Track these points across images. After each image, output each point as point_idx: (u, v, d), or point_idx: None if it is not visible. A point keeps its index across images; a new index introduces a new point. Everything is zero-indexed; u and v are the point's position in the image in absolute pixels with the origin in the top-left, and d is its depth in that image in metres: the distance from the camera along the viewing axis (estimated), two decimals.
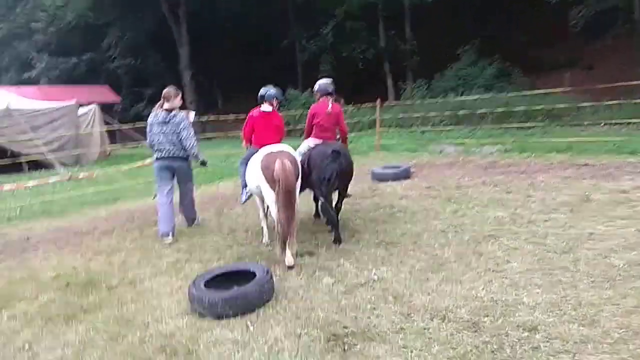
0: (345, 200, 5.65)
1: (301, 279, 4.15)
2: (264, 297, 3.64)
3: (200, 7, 25.74)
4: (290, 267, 4.42)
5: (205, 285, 3.71)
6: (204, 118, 22.64)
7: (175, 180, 5.99)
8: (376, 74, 25.08)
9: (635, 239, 4.36)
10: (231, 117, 14.47)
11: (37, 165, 12.67)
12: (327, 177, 4.92)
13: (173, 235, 5.72)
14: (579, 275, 3.74)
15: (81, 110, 15.24)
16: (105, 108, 24.81)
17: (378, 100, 12.97)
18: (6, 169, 11.53)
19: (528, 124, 13.41)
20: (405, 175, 8.48)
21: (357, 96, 24.04)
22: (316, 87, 5.92)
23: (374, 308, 3.48)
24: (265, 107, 5.45)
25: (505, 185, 7.12)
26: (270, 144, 5.09)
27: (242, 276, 3.87)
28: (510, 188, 6.90)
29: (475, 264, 4.16)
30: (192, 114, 8.14)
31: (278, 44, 25.95)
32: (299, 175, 4.83)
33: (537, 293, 3.50)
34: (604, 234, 4.62)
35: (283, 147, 5.00)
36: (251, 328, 3.32)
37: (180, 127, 5.66)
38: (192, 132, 5.79)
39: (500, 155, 10.10)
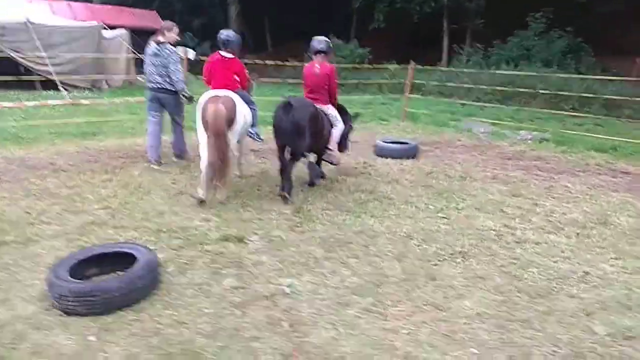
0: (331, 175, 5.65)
1: (204, 274, 3.41)
2: (134, 295, 2.94)
3: None
4: (201, 201, 4.74)
5: (75, 269, 3.04)
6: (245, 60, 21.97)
7: (165, 112, 6.32)
8: (434, 32, 23.13)
9: None
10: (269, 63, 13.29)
11: (53, 85, 12.38)
12: (275, 130, 4.95)
13: (158, 162, 6.23)
14: (540, 338, 2.80)
15: (108, 34, 14.74)
16: (148, 35, 24.52)
17: (412, 63, 11.60)
18: (22, 85, 11.25)
19: (579, 113, 11.83)
20: (411, 154, 7.45)
21: (412, 55, 22.50)
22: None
23: (256, 338, 2.71)
24: (225, 53, 5.38)
25: (517, 185, 6.01)
26: (226, 87, 5.20)
27: (124, 261, 3.18)
28: (520, 190, 5.79)
29: (418, 292, 3.28)
30: (190, 52, 7.41)
31: None
32: (233, 120, 4.86)
33: None
34: (603, 277, 3.59)
35: (226, 92, 5.05)
36: (92, 338, 2.64)
37: (168, 60, 5.82)
38: (180, 67, 5.94)
39: (533, 145, 8.79)
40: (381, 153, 7.47)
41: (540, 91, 12.63)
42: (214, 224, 4.31)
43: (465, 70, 15.86)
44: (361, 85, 17.99)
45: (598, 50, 18.43)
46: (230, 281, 3.31)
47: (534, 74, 13.99)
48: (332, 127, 5.69)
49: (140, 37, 22.25)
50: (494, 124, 10.60)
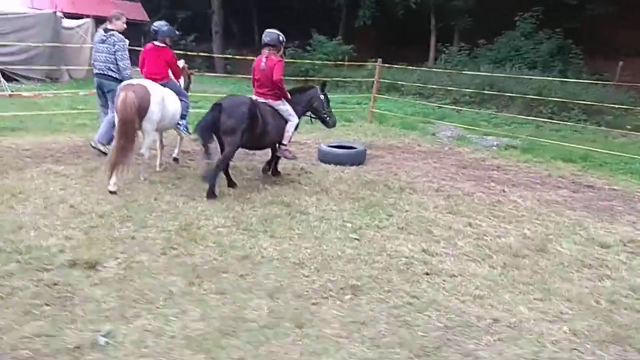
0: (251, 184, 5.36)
1: (9, 315, 2.74)
2: None
3: None
4: (111, 192, 4.70)
5: None
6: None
7: None
8: (422, 30, 22.41)
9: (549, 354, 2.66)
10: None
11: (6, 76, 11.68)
12: (198, 129, 4.82)
13: (102, 144, 6.02)
14: None
15: (70, 23, 14.03)
16: (133, 27, 23.78)
17: (379, 61, 10.91)
18: None
19: (557, 118, 11.17)
20: (357, 160, 6.78)
21: (399, 53, 21.81)
22: None
23: None
24: (158, 43, 5.70)
25: (459, 200, 5.34)
26: (156, 78, 5.49)
27: None
28: (460, 206, 5.12)
29: (269, 346, 2.61)
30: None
31: None
32: (146, 109, 4.89)
33: None
34: (515, 326, 2.91)
35: (143, 81, 5.19)
36: None
37: (115, 47, 5.86)
38: (127, 55, 5.94)
39: (496, 152, 8.12)
40: (324, 158, 6.81)
41: (517, 95, 11.97)
42: (73, 244, 3.64)
43: (439, 70, 15.20)
44: (341, 83, 17.35)
45: (588, 52, 17.75)
46: (37, 326, 2.65)
47: (514, 75, 13.31)
48: (285, 122, 5.48)
49: (132, 29, 21.65)
50: (466, 128, 9.94)
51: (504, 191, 5.84)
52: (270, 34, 5.40)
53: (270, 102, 5.37)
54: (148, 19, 26.87)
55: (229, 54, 23.51)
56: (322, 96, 5.95)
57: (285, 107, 5.49)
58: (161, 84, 5.48)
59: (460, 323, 2.92)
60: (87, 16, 15.59)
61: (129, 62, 5.94)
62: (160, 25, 5.75)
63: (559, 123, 10.70)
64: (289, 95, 5.52)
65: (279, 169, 5.98)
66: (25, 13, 12.44)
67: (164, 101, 5.21)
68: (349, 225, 4.40)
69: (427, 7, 20.92)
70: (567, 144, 8.23)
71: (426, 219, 4.68)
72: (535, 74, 14.70)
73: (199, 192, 4.96)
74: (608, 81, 16.04)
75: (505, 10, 19.51)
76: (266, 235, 4.03)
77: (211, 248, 3.72)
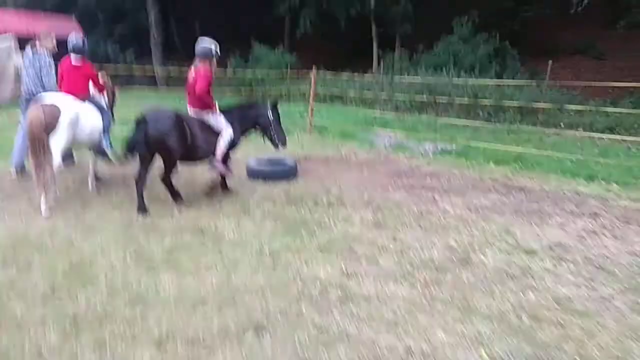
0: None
1: None
2: None
3: None
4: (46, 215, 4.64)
5: None
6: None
7: None
8: (366, 38, 22.51)
9: None
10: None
11: None
12: (129, 146, 4.78)
13: (20, 171, 5.99)
14: None
15: None
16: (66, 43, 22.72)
17: (314, 70, 10.70)
18: None
19: (491, 121, 11.29)
20: (288, 175, 6.47)
21: (344, 62, 21.77)
22: None
23: None
24: (75, 60, 5.50)
25: (388, 213, 5.11)
26: (75, 93, 5.35)
27: None
28: (387, 219, 4.89)
29: None
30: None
31: None
32: (54, 125, 4.78)
33: None
34: (429, 355, 2.66)
35: (54, 98, 5.02)
36: None
37: (42, 65, 5.74)
38: (53, 73, 5.79)
39: (432, 158, 8.01)
40: (252, 175, 6.47)
41: (455, 99, 12.08)
42: None
43: (377, 78, 15.21)
44: (284, 94, 17.09)
45: (526, 54, 18.26)
46: None
47: (455, 79, 13.46)
48: (218, 136, 5.28)
49: (58, 45, 20.68)
50: (406, 134, 9.85)
51: (434, 199, 5.68)
52: (202, 44, 5.21)
53: (201, 114, 5.24)
54: (82, 34, 25.84)
55: (170, 68, 22.88)
56: (270, 113, 5.68)
57: (215, 120, 5.29)
58: (81, 100, 5.35)
59: (369, 356, 2.64)
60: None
61: (54, 80, 5.77)
62: (74, 40, 5.51)
63: (495, 125, 10.78)
64: (215, 107, 5.28)
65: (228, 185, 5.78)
66: None
67: (78, 118, 5.06)
68: (266, 249, 4.08)
69: (368, 15, 21.04)
70: (500, 147, 8.23)
71: (351, 235, 4.41)
72: (473, 77, 14.99)
73: (102, 221, 4.52)
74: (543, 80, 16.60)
75: (443, 15, 19.92)
76: (168, 270, 3.64)
77: (99, 291, 3.29)
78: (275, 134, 5.71)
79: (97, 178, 5.85)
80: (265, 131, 5.75)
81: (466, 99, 12.25)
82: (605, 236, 4.49)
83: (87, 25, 26.65)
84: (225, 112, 5.43)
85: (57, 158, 4.85)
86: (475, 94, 12.31)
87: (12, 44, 13.89)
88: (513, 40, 18.46)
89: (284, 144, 5.79)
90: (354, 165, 7.51)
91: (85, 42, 5.59)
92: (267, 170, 6.40)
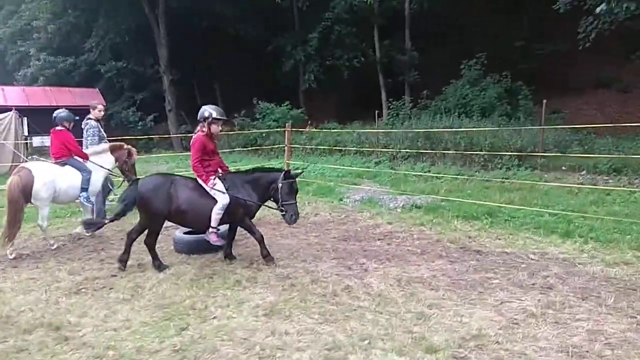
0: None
1: None
2: None
3: (179, 7, 23.75)
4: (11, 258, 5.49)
5: None
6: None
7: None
8: (374, 87, 22.18)
9: None
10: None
11: None
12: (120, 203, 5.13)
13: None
14: None
15: None
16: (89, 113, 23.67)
17: (289, 124, 10.22)
18: None
19: (489, 167, 10.36)
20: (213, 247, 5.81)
21: (354, 112, 21.46)
22: None
23: None
24: (58, 127, 6.36)
25: (296, 293, 4.29)
26: (56, 157, 6.25)
27: None
28: (291, 300, 4.10)
29: None
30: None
31: (264, 50, 23.44)
32: (29, 190, 5.60)
33: None
34: None
35: (33, 165, 6.03)
36: None
37: (87, 134, 7.02)
38: (96, 140, 6.96)
39: (397, 215, 7.17)
40: (178, 248, 5.83)
41: (449, 146, 11.26)
42: None
43: (372, 130, 14.64)
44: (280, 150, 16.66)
45: (541, 92, 17.25)
46: None
47: (441, 129, 12.64)
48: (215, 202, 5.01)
49: (81, 114, 21.52)
50: (387, 187, 9.09)
51: (366, 270, 4.84)
52: (204, 110, 5.21)
53: (199, 179, 5.08)
54: (104, 103, 26.91)
55: (182, 131, 23.23)
56: (281, 185, 5.02)
57: (207, 187, 5.03)
58: (62, 162, 6.17)
59: None
60: (10, 109, 15.21)
61: (95, 143, 6.85)
62: (58, 112, 6.48)
63: (488, 172, 9.84)
64: (203, 175, 5.05)
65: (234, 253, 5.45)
66: None
67: (54, 180, 5.85)
68: (111, 354, 3.36)
69: (373, 66, 20.81)
70: (475, 200, 7.28)
71: (227, 328, 3.64)
72: (482, 120, 14.18)
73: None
74: (562, 119, 15.49)
75: (453, 60, 19.38)
76: None
77: None
78: (284, 208, 5.03)
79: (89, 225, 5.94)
80: (276, 203, 5.14)
81: (462, 144, 11.41)
82: (545, 322, 3.51)
83: (111, 95, 27.90)
84: (235, 176, 5.32)
85: (42, 212, 5.82)
86: (471, 140, 11.45)
87: (11, 118, 14.26)
88: (527, 80, 17.58)
89: (292, 220, 5.06)
90: (306, 227, 6.77)
91: (68, 114, 6.47)
92: (191, 241, 5.74)
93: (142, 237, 5.11)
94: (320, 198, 8.87)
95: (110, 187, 7.39)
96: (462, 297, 4.05)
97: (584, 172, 9.16)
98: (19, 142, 14.15)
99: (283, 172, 5.18)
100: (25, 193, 5.58)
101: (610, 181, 8.32)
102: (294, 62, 21.76)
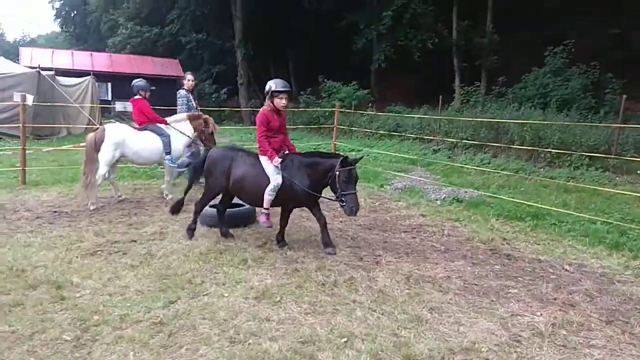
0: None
1: None
2: None
3: None
4: (92, 209, 6.23)
5: None
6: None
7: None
8: (448, 71, 21.16)
9: None
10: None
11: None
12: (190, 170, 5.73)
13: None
14: None
15: (70, 81, 14.52)
16: (168, 82, 24.81)
17: (337, 105, 9.97)
18: None
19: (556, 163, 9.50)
20: (245, 220, 5.83)
21: (424, 96, 20.68)
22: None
23: None
24: (136, 96, 6.91)
25: (294, 279, 4.15)
26: (139, 123, 6.85)
27: None
28: (283, 288, 3.95)
29: None
30: (30, 98, 6.77)
31: (338, 26, 22.99)
32: (99, 146, 6.32)
33: None
34: None
35: (110, 126, 6.70)
36: None
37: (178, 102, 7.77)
38: (184, 108, 7.57)
39: (434, 208, 6.76)
40: (206, 221, 5.88)
41: (515, 139, 10.45)
42: None
43: (435, 117, 13.91)
44: (348, 131, 16.45)
45: (635, 86, 15.53)
46: None
47: (506, 120, 11.70)
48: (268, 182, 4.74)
49: (161, 84, 22.59)
50: (441, 177, 8.63)
51: (378, 262, 4.59)
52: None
53: (263, 155, 4.85)
54: (182, 74, 28.01)
55: (252, 105, 23.63)
56: (338, 172, 4.54)
57: (267, 164, 4.78)
58: (140, 128, 6.78)
59: None
60: (88, 74, 16.15)
61: (184, 110, 7.47)
62: (135, 82, 7.02)
63: (554, 170, 9.02)
64: (266, 152, 4.79)
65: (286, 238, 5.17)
66: (8, 73, 12.91)
67: (123, 142, 6.43)
68: (96, 319, 3.43)
69: (448, 48, 19.82)
70: (521, 200, 6.66)
71: (214, 307, 3.58)
72: (559, 114, 13.04)
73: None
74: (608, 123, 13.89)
75: (536, 46, 17.94)
76: None
77: None
78: (342, 198, 4.57)
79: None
80: (334, 192, 4.71)
81: (527, 138, 10.56)
82: (552, 343, 3.09)
83: (191, 66, 28.90)
84: (293, 158, 4.87)
85: (100, 170, 6.33)
86: (539, 133, 10.56)
87: (89, 83, 15.09)
88: (618, 72, 15.88)
89: (351, 212, 4.57)
90: (333, 212, 6.55)
91: (144, 84, 6.97)
92: (213, 214, 5.76)
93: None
94: (361, 183, 8.58)
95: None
96: (470, 304, 3.70)
97: None
98: (95, 105, 15.00)
99: (340, 159, 4.58)
100: (96, 148, 6.32)
101: None
102: (365, 41, 21.24)
